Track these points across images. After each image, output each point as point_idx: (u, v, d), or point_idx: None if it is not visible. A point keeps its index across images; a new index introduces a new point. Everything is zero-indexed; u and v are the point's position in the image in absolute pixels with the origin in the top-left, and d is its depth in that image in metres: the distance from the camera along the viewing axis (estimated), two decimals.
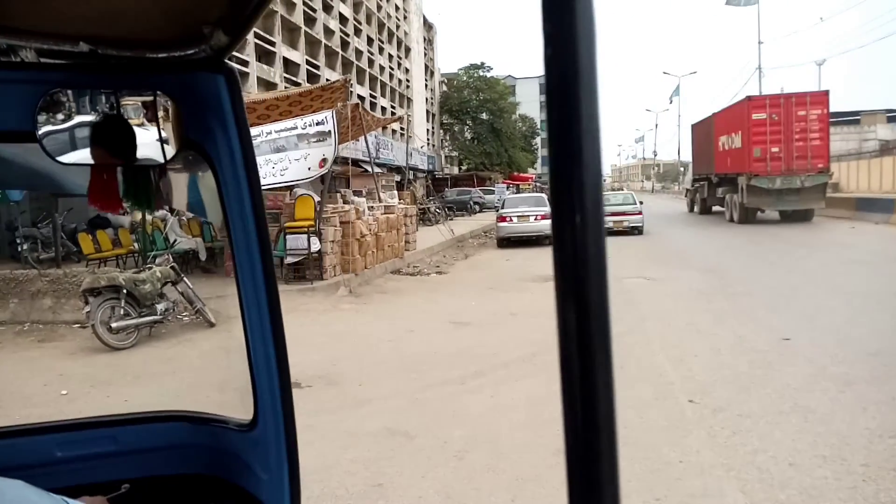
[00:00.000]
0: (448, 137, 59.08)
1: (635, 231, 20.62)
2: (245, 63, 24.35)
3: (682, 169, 64.72)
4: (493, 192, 39.93)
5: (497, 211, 20.30)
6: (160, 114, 1.17)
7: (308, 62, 30.46)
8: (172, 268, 7.94)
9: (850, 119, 70.92)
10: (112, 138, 1.16)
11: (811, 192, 20.41)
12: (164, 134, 1.16)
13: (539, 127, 66.02)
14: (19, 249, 12.21)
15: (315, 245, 10.19)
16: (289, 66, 28.60)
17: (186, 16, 1.05)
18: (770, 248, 15.40)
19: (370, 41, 40.68)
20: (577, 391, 0.44)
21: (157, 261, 8.05)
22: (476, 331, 7.41)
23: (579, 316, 0.44)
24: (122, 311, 7.11)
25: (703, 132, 27.99)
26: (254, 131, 9.79)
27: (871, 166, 48.64)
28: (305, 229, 10.10)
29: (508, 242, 18.47)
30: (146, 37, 1.16)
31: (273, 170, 9.83)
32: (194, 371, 6.19)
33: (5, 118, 1.14)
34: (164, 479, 1.42)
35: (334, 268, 10.86)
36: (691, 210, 31.22)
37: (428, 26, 60.57)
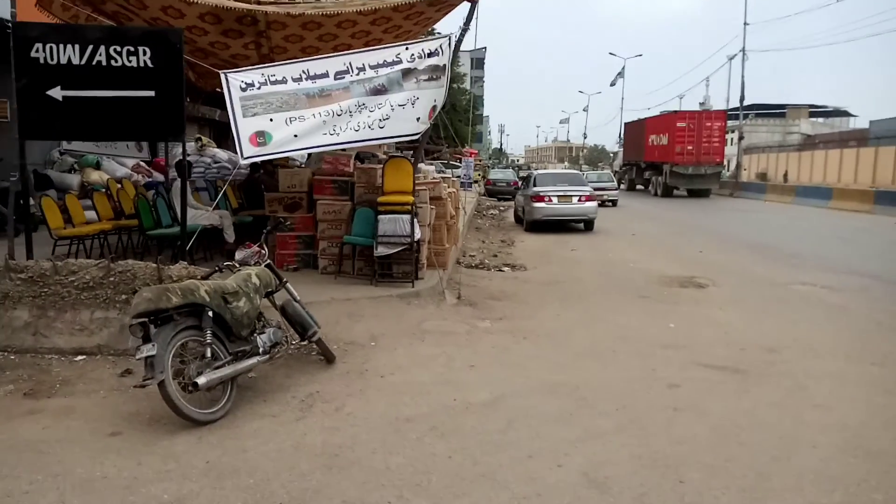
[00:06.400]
0: None
1: (610, 203, 23.71)
2: None
3: (612, 154, 65.93)
4: (457, 167, 36.93)
5: (522, 188, 17.94)
6: None
7: None
8: (269, 266, 4.70)
9: (777, 112, 73.68)
10: None
11: (711, 178, 30.69)
12: None
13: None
14: None
15: (417, 232, 7.06)
16: None
17: None
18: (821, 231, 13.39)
19: None
20: None
21: (239, 255, 4.69)
22: (783, 393, 4.71)
23: None
24: (208, 353, 3.87)
25: (636, 130, 37.56)
26: (336, 64, 6.55)
27: (802, 159, 50.68)
28: (408, 207, 6.94)
29: (537, 226, 15.92)
30: None
31: (369, 119, 6.53)
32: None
33: None
34: None
35: (426, 261, 7.80)
36: (617, 188, 40.78)
37: None
